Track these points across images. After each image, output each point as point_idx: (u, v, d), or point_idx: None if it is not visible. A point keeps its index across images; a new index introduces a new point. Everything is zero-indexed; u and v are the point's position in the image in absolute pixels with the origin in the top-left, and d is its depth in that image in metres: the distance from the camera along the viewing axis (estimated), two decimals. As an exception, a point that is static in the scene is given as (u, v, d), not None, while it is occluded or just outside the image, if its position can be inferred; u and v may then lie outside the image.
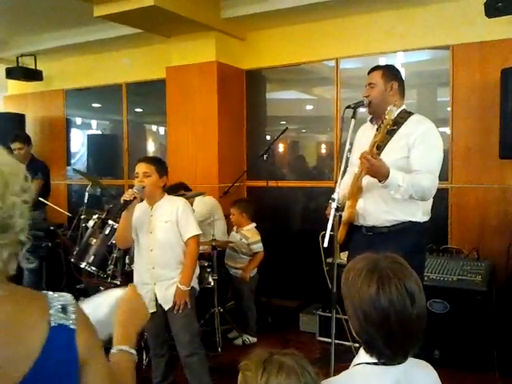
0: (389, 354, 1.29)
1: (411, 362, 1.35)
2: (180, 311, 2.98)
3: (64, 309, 1.01)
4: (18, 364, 0.94)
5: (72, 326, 1.01)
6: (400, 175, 2.54)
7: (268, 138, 5.59)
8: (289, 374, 1.15)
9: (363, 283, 1.29)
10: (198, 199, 4.38)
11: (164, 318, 3.06)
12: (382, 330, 1.26)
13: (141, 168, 3.00)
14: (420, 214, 2.73)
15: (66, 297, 1.04)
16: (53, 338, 0.98)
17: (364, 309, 1.28)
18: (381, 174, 2.50)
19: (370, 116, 2.93)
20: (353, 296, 1.31)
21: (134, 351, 1.26)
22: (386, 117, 2.51)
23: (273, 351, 1.23)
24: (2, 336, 0.94)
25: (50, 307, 1.00)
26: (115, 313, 1.33)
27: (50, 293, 1.04)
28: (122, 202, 2.91)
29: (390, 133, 2.71)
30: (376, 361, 1.31)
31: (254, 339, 4.30)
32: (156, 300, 3.02)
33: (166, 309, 3.00)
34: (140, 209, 3.07)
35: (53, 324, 0.98)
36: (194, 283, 3.15)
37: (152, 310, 2.98)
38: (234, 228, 4.54)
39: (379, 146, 2.67)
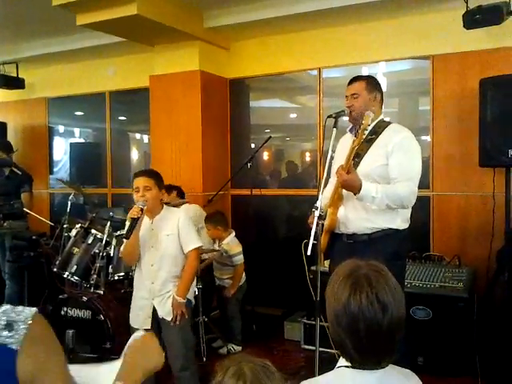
0: (357, 358, 1.31)
1: (393, 370, 1.37)
2: (177, 322, 2.93)
3: (9, 326, 0.88)
4: None
5: (13, 346, 0.88)
6: (373, 187, 2.60)
7: (252, 146, 5.61)
8: (238, 379, 1.15)
9: (339, 288, 1.33)
10: (182, 208, 4.37)
11: (157, 335, 2.96)
12: (351, 335, 1.29)
13: (141, 182, 2.92)
14: (399, 221, 2.77)
15: (24, 312, 0.91)
16: None
17: (336, 312, 1.31)
18: (354, 187, 2.58)
19: (350, 126, 2.97)
20: (330, 299, 1.35)
21: None
22: (363, 122, 2.57)
23: (249, 358, 1.22)
24: None
25: None
26: (124, 352, 1.24)
27: (4, 307, 0.92)
28: (128, 220, 2.82)
29: (369, 141, 2.75)
30: (350, 364, 1.34)
31: (238, 348, 4.29)
32: (152, 316, 2.98)
33: (169, 319, 2.94)
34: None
35: None
36: (190, 295, 3.09)
37: (147, 326, 2.96)
38: (216, 241, 4.52)
39: (359, 154, 2.72)
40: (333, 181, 2.92)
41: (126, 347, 1.27)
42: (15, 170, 5.00)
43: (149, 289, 2.99)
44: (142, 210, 2.83)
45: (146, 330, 2.94)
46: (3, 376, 0.87)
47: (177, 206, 4.18)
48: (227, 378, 1.13)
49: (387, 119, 2.94)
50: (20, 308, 0.93)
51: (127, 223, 2.86)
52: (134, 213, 2.81)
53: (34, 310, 0.94)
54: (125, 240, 2.96)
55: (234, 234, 4.48)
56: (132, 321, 3.07)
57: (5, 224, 4.50)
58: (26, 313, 0.91)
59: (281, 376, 1.15)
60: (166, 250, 2.97)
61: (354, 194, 2.61)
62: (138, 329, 2.98)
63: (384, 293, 1.29)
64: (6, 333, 0.88)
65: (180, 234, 2.99)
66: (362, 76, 3.03)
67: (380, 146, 2.74)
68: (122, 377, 1.18)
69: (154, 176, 3.00)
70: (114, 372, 1.20)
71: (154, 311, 2.99)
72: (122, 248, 3.09)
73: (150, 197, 2.90)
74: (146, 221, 3.00)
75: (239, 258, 4.40)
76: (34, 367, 0.90)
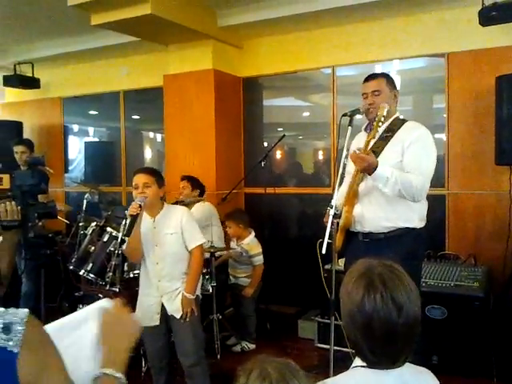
0: (372, 359, 1.31)
1: (409, 368, 1.36)
2: (187, 319, 2.95)
3: (7, 328, 0.90)
4: None
5: (13, 349, 0.89)
6: (389, 169, 2.59)
7: (265, 144, 5.61)
8: (263, 380, 1.12)
9: (353, 287, 1.32)
10: (195, 205, 4.39)
11: (166, 331, 3.04)
12: (366, 335, 1.28)
13: (140, 179, 2.90)
14: (416, 219, 2.75)
15: (18, 313, 0.92)
16: None
17: (351, 312, 1.30)
18: (370, 164, 2.56)
19: (365, 124, 2.95)
20: (344, 299, 1.34)
21: (120, 375, 1.09)
22: (378, 112, 2.56)
23: (270, 358, 1.21)
24: None
25: None
26: (100, 329, 1.15)
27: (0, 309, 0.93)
28: (128, 217, 2.81)
29: (385, 139, 2.74)
30: (366, 364, 1.33)
31: (252, 346, 4.30)
32: (161, 313, 2.99)
33: (178, 316, 2.96)
34: (142, 222, 2.99)
35: None
36: (198, 290, 3.12)
37: (155, 323, 2.98)
38: (234, 240, 4.52)
39: (375, 152, 2.71)
40: (347, 179, 2.91)
41: (98, 323, 1.17)
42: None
43: (156, 286, 3.00)
44: (140, 206, 2.81)
45: (155, 326, 2.98)
46: (5, 378, 0.88)
47: (192, 203, 4.22)
48: (252, 381, 1.10)
49: (401, 117, 2.91)
50: (13, 309, 0.94)
51: (127, 221, 2.84)
52: (132, 209, 2.79)
53: (27, 310, 0.95)
54: (126, 238, 2.94)
55: (253, 233, 4.47)
56: (139, 318, 3.06)
57: (40, 224, 4.51)
58: (21, 314, 0.93)
59: (304, 373, 1.14)
60: (171, 249, 2.98)
61: (369, 174, 2.59)
62: (146, 326, 2.99)
63: (399, 293, 1.27)
64: (3, 336, 0.89)
65: (183, 232, 2.99)
66: (380, 74, 2.98)
67: (396, 144, 2.73)
68: (106, 362, 1.10)
69: (154, 173, 2.99)
70: (96, 358, 1.13)
71: (163, 308, 3.00)
72: (124, 246, 3.08)
73: (149, 194, 2.88)
74: (147, 219, 2.98)
75: (259, 259, 4.40)
76: (36, 367, 0.92)
